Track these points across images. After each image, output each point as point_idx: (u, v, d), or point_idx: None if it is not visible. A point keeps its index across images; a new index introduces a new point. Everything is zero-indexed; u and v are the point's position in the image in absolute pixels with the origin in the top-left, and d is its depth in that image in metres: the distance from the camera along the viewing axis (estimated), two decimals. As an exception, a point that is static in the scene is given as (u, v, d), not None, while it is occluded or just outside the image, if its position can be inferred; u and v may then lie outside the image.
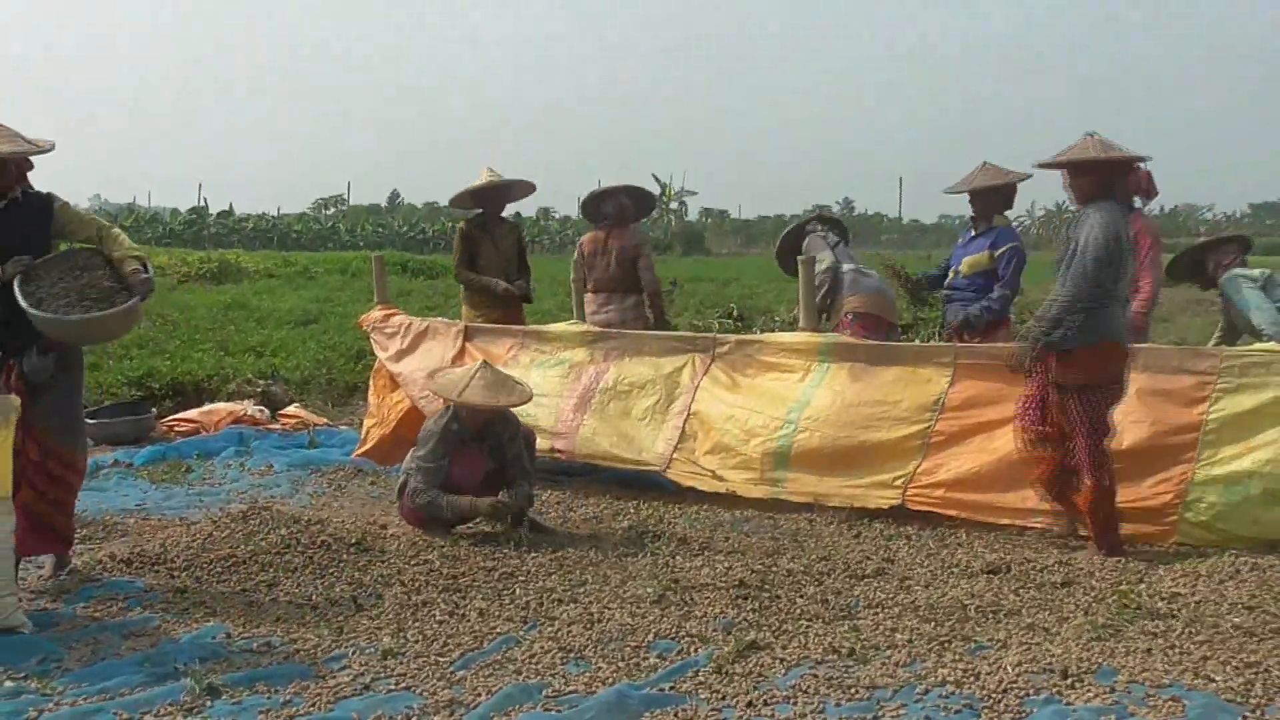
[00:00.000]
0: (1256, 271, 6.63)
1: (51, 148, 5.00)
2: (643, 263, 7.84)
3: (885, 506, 5.96)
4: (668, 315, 8.55)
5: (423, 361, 7.55)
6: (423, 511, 5.78)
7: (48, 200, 5.02)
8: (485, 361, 6.23)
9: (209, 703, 3.69)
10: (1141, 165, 5.47)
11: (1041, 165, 5.68)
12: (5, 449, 4.51)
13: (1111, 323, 5.30)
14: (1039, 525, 5.60)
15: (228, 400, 9.92)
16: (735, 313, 13.33)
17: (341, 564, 5.23)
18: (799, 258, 7.12)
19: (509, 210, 8.45)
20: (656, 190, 58.95)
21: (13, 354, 4.82)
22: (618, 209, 7.97)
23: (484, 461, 5.92)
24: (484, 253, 8.01)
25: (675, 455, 6.55)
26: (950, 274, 7.08)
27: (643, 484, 6.76)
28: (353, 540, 5.51)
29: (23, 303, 4.66)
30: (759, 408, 6.43)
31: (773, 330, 9.79)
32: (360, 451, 7.83)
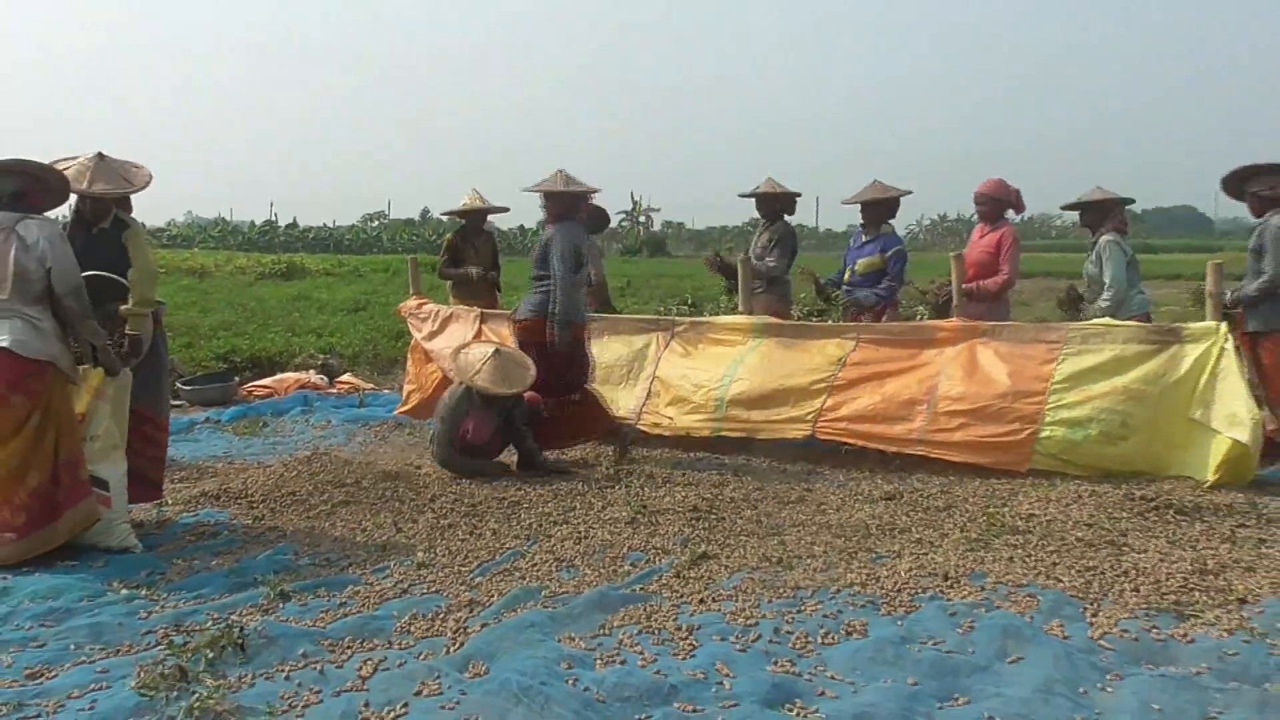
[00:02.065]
0: (1129, 246, 6.32)
1: (147, 184, 4.69)
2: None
3: (801, 437, 5.94)
4: (612, 303, 8.49)
5: (449, 340, 7.55)
6: (442, 466, 5.74)
7: (121, 230, 4.69)
8: (499, 348, 5.93)
9: (281, 605, 3.67)
10: (593, 197, 6.10)
11: (525, 190, 6.04)
12: (124, 410, 4.50)
13: (582, 307, 6.00)
14: (919, 453, 5.57)
15: (295, 370, 9.87)
16: (690, 301, 13.22)
17: (385, 496, 5.20)
18: (739, 258, 7.06)
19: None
20: (629, 205, 59.14)
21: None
22: None
23: (493, 421, 5.89)
24: (466, 257, 8.00)
25: (644, 410, 6.55)
26: (847, 273, 6.90)
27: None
28: (394, 478, 5.47)
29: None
30: (706, 368, 6.44)
31: (718, 314, 9.72)
32: (401, 409, 7.83)
